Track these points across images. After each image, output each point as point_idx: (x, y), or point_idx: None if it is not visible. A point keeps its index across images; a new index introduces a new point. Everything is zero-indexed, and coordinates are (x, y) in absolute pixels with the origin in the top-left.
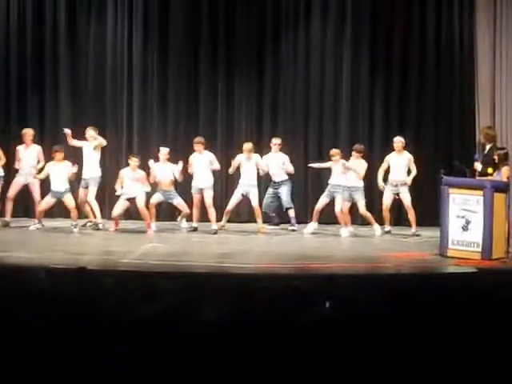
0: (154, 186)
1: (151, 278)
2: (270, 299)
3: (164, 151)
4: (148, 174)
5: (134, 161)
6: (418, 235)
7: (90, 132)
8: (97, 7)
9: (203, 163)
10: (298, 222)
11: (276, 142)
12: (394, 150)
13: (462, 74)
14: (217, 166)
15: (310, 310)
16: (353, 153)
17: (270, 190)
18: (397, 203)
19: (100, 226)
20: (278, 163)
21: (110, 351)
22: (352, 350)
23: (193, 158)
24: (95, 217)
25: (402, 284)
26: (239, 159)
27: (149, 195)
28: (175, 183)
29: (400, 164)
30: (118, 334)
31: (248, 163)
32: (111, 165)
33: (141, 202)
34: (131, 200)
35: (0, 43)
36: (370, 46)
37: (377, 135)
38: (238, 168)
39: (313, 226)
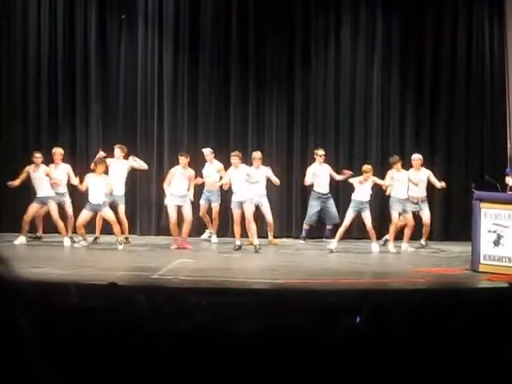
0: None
1: (183, 293)
2: (302, 315)
3: (207, 151)
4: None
5: (182, 159)
6: (424, 247)
7: (117, 151)
8: (127, 24)
9: (240, 177)
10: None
11: (321, 153)
12: (412, 166)
13: (492, 89)
14: (253, 179)
15: (341, 325)
16: (397, 165)
17: (317, 203)
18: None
19: (129, 240)
20: (326, 175)
21: (141, 366)
22: (382, 364)
23: (231, 173)
24: (123, 233)
25: (434, 299)
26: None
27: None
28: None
29: (419, 181)
30: (150, 349)
31: (257, 173)
32: (142, 181)
33: (188, 212)
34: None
35: (31, 59)
36: (400, 61)
37: (407, 150)
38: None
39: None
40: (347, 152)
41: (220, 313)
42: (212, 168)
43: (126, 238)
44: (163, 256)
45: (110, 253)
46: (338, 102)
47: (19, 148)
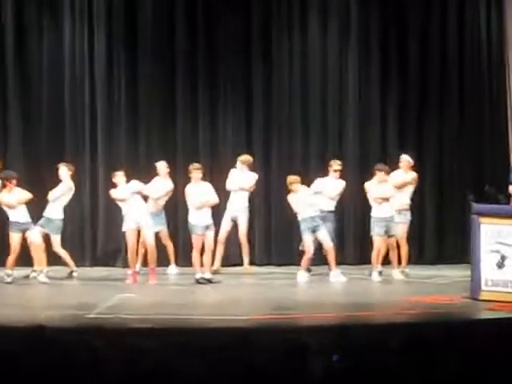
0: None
1: (126, 336)
2: (269, 356)
3: (163, 165)
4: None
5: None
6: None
7: (64, 169)
8: (50, 10)
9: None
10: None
11: (336, 167)
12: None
13: (490, 80)
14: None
15: (317, 367)
16: (381, 173)
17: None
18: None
19: (74, 273)
20: (335, 191)
21: None
22: None
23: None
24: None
25: (426, 334)
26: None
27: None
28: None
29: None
30: None
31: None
32: (74, 203)
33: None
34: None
35: None
36: (381, 52)
37: (390, 155)
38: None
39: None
40: (317, 160)
41: (170, 358)
42: (166, 185)
43: (71, 272)
44: (100, 291)
45: (36, 288)
46: (306, 101)
47: None
